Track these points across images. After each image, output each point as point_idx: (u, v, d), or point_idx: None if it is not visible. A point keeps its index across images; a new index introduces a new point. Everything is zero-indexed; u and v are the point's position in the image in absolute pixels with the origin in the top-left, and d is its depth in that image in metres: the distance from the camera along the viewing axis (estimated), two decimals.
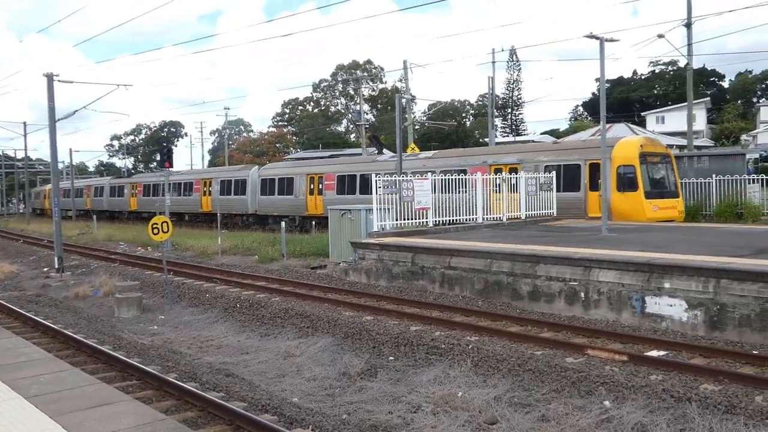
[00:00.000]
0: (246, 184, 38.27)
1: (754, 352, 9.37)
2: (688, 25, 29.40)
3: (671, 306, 10.84)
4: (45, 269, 24.08)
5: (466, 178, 20.65)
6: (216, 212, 37.69)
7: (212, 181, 41.73)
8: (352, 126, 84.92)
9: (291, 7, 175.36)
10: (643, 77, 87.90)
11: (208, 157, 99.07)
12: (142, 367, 9.80)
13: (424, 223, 18.86)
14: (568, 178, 23.17)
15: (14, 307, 15.23)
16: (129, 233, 35.44)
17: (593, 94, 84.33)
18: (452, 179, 20.22)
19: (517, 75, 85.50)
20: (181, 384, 8.87)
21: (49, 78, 23.46)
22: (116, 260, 24.41)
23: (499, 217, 20.90)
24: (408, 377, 9.77)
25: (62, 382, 7.13)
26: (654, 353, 9.56)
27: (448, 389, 8.94)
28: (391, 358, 10.67)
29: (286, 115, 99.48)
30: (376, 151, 37.41)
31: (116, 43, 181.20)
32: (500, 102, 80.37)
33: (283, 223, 25.12)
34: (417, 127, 58.02)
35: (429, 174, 20.71)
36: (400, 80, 65.24)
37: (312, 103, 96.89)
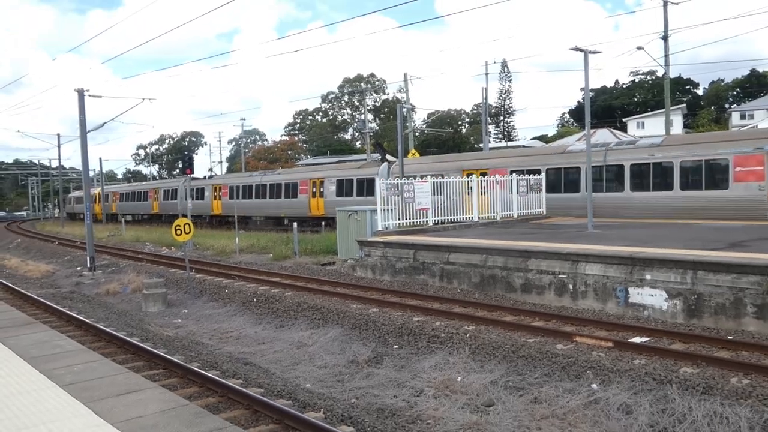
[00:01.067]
0: (375, 183, 30.96)
1: (729, 337, 9.34)
2: (665, 38, 29.27)
3: (652, 296, 10.80)
4: (78, 268, 24.12)
5: (463, 181, 20.38)
6: (330, 216, 31.17)
7: (325, 180, 33.71)
8: (357, 134, 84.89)
9: (301, 26, 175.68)
10: (624, 86, 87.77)
11: (226, 164, 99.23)
12: (168, 356, 9.79)
13: (425, 222, 18.81)
14: None
15: (50, 303, 15.26)
16: (154, 234, 35.48)
17: (578, 102, 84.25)
18: (450, 182, 20.03)
19: (509, 85, 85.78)
20: (203, 372, 8.85)
21: (80, 93, 23.52)
22: (143, 259, 24.44)
23: (493, 216, 20.84)
24: (411, 364, 9.74)
25: (94, 371, 7.13)
26: (637, 340, 9.53)
27: (448, 375, 8.92)
28: (396, 346, 10.64)
29: (297, 125, 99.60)
30: (380, 157, 37.22)
31: (141, 60, 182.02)
32: (493, 110, 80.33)
33: (295, 224, 25.07)
34: (417, 134, 58.00)
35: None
36: (400, 91, 65.33)
37: (320, 114, 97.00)
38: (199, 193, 45.21)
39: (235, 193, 40.99)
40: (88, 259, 23.18)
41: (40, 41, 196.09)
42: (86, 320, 13.01)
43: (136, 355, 10.29)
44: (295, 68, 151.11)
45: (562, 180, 22.73)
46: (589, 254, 12.08)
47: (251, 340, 12.12)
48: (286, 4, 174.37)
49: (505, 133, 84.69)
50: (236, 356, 10.68)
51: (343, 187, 32.30)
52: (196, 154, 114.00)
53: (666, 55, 29.50)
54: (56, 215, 79.87)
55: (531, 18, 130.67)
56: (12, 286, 18.81)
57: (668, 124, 31.02)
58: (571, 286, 12.03)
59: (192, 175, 32.30)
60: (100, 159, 73.11)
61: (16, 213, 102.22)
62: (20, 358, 7.79)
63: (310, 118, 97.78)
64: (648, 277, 10.99)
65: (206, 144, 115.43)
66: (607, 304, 11.39)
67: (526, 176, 22.30)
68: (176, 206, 46.87)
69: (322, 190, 34.10)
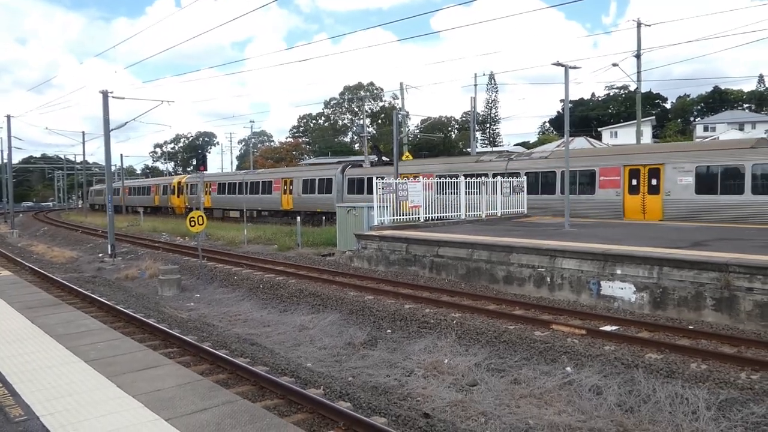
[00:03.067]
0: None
1: (690, 327, 9.42)
2: (638, 56, 29.36)
3: (622, 289, 10.87)
4: (100, 255, 24.02)
5: (451, 182, 20.37)
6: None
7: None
8: (356, 137, 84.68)
9: (307, 37, 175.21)
10: (600, 99, 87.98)
11: (236, 163, 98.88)
12: (182, 336, 9.79)
13: (417, 219, 18.83)
14: None
15: (75, 287, 15.20)
16: (169, 225, 35.32)
17: (558, 112, 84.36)
18: (441, 183, 20.08)
19: (495, 96, 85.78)
20: (214, 351, 8.86)
21: (105, 95, 23.39)
22: (159, 248, 24.34)
23: (479, 214, 20.87)
24: (403, 347, 9.78)
25: (116, 348, 7.13)
26: (608, 328, 9.60)
27: (436, 357, 8.96)
28: (389, 330, 10.67)
29: (301, 128, 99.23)
30: (376, 159, 36.93)
31: (161, 66, 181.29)
32: (480, 118, 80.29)
33: (299, 218, 25.01)
34: (411, 138, 57.88)
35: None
36: (396, 98, 65.22)
37: (323, 118, 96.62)
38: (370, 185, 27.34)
39: (439, 187, 21.55)
40: (109, 246, 23.10)
41: (69, 46, 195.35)
42: (107, 302, 12.98)
43: (153, 335, 10.28)
44: (301, 76, 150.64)
45: None
46: (565, 250, 12.13)
47: (257, 322, 12.13)
48: (295, 17, 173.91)
49: (491, 140, 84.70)
50: (244, 337, 10.69)
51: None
52: (209, 152, 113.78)
53: (638, 72, 29.59)
54: (80, 206, 79.32)
55: (517, 35, 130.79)
56: (39, 270, 18.73)
57: (639, 134, 31.20)
58: (548, 279, 12.09)
59: (350, 163, 28.50)
60: (122, 155, 73.31)
61: (42, 203, 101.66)
62: (48, 335, 7.78)
63: (313, 121, 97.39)
64: (618, 271, 11.05)
65: (218, 144, 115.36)
66: (581, 296, 11.46)
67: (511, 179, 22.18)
68: (330, 201, 32.22)
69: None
